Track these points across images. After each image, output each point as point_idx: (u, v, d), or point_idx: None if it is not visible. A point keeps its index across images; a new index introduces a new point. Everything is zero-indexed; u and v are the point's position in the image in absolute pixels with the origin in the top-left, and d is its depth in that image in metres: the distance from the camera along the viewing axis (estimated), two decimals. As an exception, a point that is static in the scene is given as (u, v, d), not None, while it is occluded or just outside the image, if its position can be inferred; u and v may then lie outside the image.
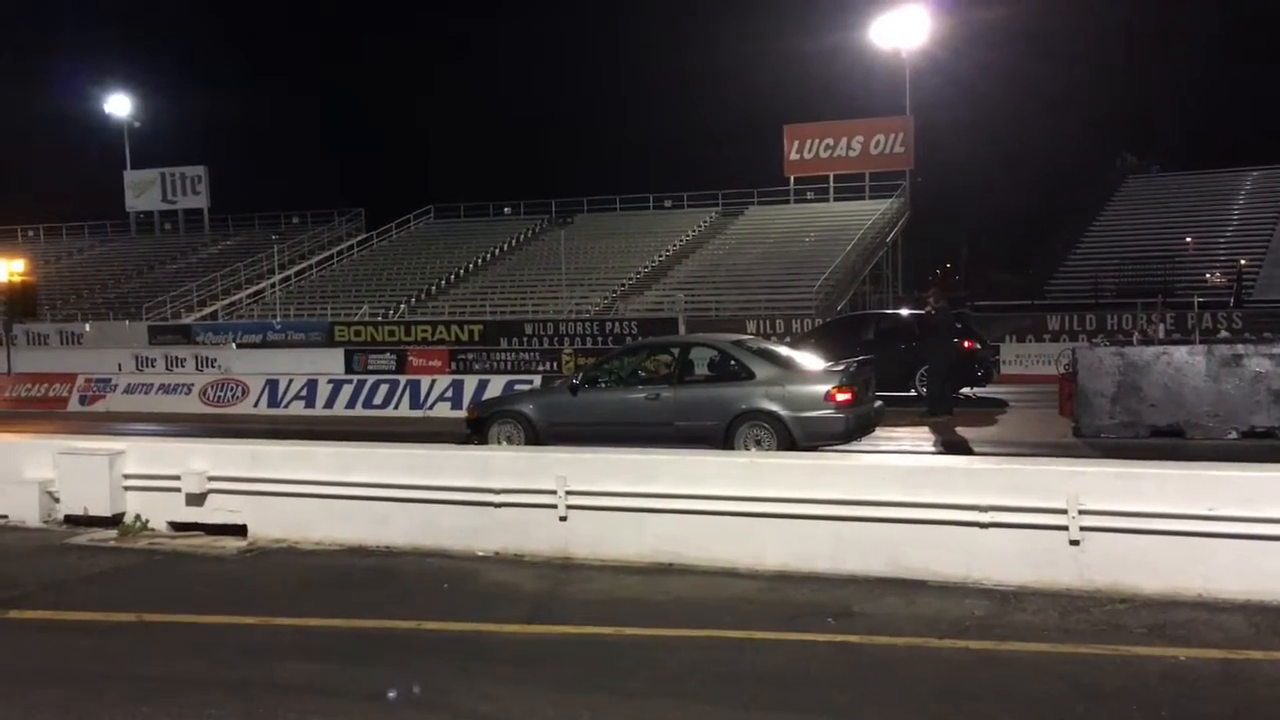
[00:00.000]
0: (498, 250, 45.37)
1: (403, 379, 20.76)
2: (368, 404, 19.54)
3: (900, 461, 9.35)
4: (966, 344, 17.54)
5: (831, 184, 44.77)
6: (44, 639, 6.45)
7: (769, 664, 5.71)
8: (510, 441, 12.35)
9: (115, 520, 9.20)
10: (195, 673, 5.68)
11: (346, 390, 19.98)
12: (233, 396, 20.61)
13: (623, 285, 38.93)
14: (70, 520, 9.36)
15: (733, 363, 12.10)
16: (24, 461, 9.77)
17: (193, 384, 21.48)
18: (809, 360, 12.86)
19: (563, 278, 38.31)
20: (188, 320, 40.63)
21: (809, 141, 44.69)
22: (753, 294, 36.10)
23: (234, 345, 34.28)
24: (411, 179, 78.79)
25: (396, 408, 19.33)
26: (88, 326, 39.63)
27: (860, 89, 62.11)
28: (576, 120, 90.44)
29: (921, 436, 14.55)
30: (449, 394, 19.09)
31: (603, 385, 12.63)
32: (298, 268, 46.23)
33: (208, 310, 42.62)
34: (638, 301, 37.00)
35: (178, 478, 9.06)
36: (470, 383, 19.25)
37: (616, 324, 32.29)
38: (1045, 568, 6.85)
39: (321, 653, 5.99)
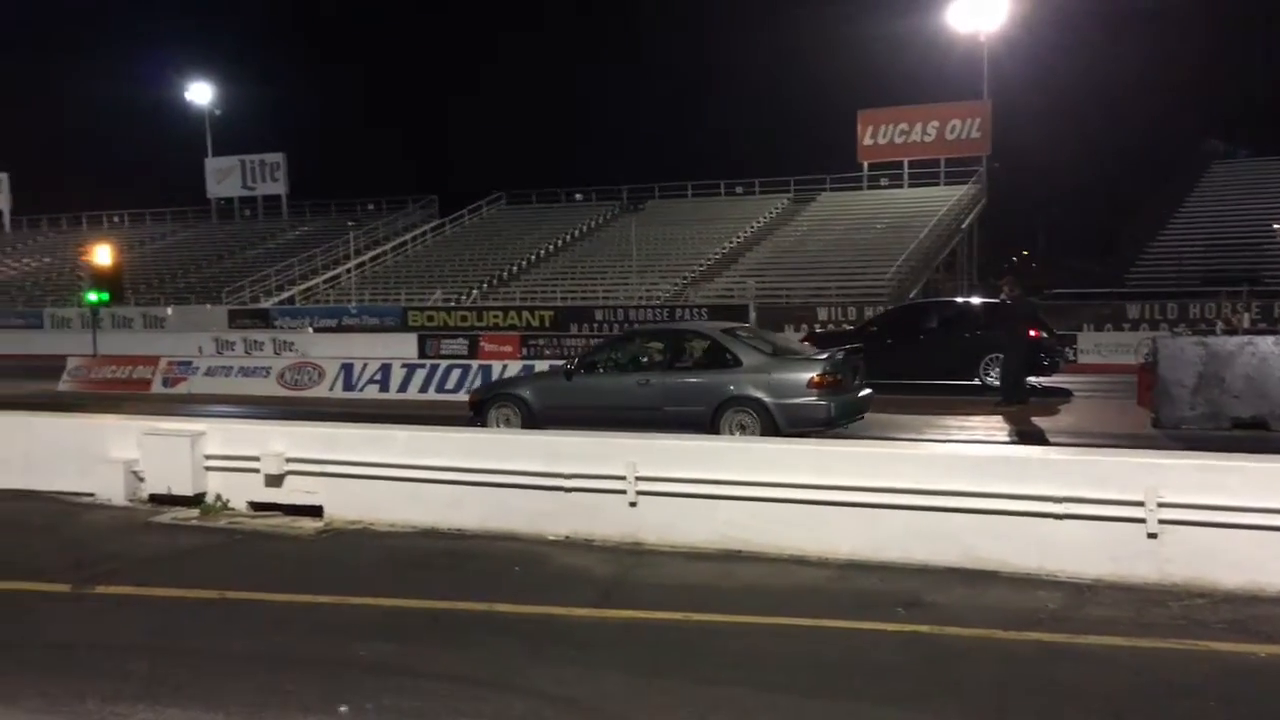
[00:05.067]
0: (569, 236, 45.58)
1: (475, 364, 20.97)
2: (440, 388, 19.74)
3: (973, 451, 9.23)
4: (1033, 332, 17.29)
5: (906, 170, 44.23)
6: (130, 613, 6.66)
7: (837, 652, 5.70)
8: (508, 424, 12.83)
9: (197, 499, 9.45)
10: (275, 650, 5.83)
11: (419, 374, 20.21)
12: (309, 380, 20.97)
13: (693, 272, 38.88)
14: (154, 499, 9.61)
15: (721, 350, 12.41)
16: (111, 442, 10.04)
17: (270, 367, 21.89)
18: (801, 349, 13.27)
19: (633, 264, 38.39)
20: (266, 304, 41.46)
21: (883, 127, 44.22)
22: (824, 281, 35.83)
23: (310, 329, 34.89)
24: (485, 165, 79.41)
25: (468, 392, 19.53)
26: (170, 310, 40.62)
27: (936, 73, 61.11)
28: (649, 106, 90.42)
29: (995, 426, 14.35)
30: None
31: (598, 371, 13.05)
32: (373, 253, 46.91)
33: (285, 295, 43.43)
34: (708, 288, 36.92)
35: (257, 459, 9.27)
36: (541, 368, 19.36)
37: (686, 310, 32.27)
38: (1122, 561, 6.74)
39: (396, 632, 6.11)
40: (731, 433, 11.60)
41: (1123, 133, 72.49)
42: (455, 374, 19.94)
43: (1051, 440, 12.92)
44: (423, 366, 20.76)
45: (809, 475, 7.61)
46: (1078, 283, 37.31)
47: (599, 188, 49.87)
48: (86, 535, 8.77)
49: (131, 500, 9.71)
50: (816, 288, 35.17)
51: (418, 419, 12.70)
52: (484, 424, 12.94)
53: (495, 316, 34.80)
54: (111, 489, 9.76)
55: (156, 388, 22.05)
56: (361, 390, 20.30)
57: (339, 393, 20.37)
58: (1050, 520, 6.92)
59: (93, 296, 25.98)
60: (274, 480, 9.26)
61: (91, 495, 9.85)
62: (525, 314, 34.60)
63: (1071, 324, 26.03)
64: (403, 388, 20.10)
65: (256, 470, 9.27)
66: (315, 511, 9.07)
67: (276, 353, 28.03)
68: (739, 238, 42.03)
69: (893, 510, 7.33)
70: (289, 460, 9.21)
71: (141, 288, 45.99)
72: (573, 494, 8.24)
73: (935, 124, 43.39)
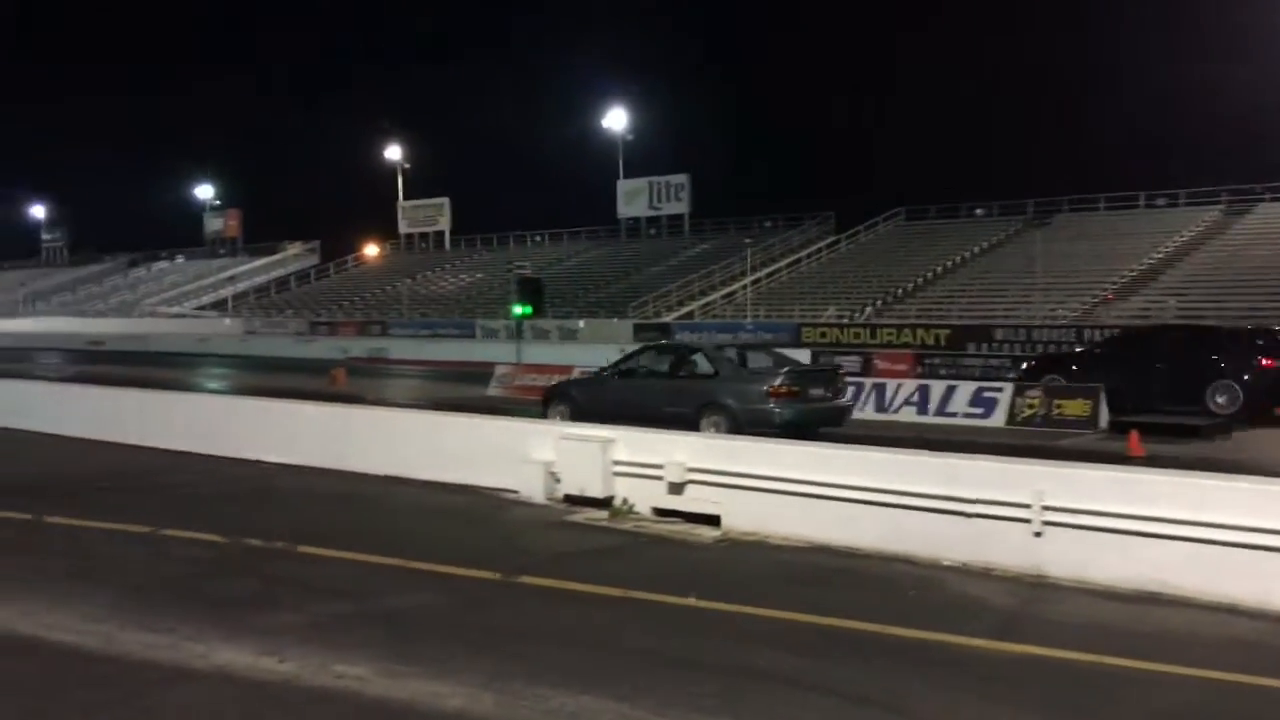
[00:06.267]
0: (968, 253, 44.11)
1: (868, 381, 20.75)
2: (832, 405, 19.73)
3: None
4: (1266, 362, 16.57)
5: (1370, 175, 38.89)
6: (547, 603, 7.21)
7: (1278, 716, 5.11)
8: (562, 417, 15.13)
9: (606, 502, 10.08)
10: (675, 650, 6.09)
11: (813, 390, 20.34)
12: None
13: (1104, 290, 36.32)
14: (568, 499, 10.36)
15: (708, 362, 15.28)
16: (532, 444, 10.96)
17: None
18: (779, 363, 15.61)
19: (1037, 281, 36.46)
20: (667, 319, 43.42)
21: (1339, 127, 39.15)
22: (1260, 300, 32.19)
23: (708, 344, 36.08)
24: (883, 180, 78.42)
25: (861, 410, 19.32)
26: (581, 323, 43.60)
27: None
28: (1056, 113, 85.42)
29: None
30: (914, 398, 18.81)
31: (625, 376, 15.98)
32: (768, 270, 47.82)
33: (685, 310, 45.27)
34: (1121, 307, 34.35)
35: (660, 466, 9.75)
36: (937, 388, 18.86)
37: (1096, 331, 30.20)
38: None
39: (791, 645, 6.19)
40: (709, 430, 13.55)
41: None
42: (848, 391, 19.80)
43: None
44: (816, 382, 20.80)
45: (1248, 517, 6.90)
46: None
47: (1002, 201, 47.84)
48: (512, 529, 9.63)
49: (549, 499, 10.52)
50: (1250, 307, 31.64)
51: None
52: (547, 416, 15.52)
53: (889, 334, 34.35)
54: (532, 487, 10.64)
55: (570, 395, 23.63)
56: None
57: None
58: None
59: (518, 310, 28.49)
60: (676, 488, 9.69)
61: (515, 492, 10.77)
62: (920, 332, 33.86)
63: None
64: (795, 403, 20.25)
65: (660, 478, 9.76)
66: (713, 520, 9.39)
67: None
68: (1159, 254, 38.74)
69: (1349, 562, 6.47)
70: (689, 470, 9.61)
71: (557, 301, 49.64)
72: (972, 519, 7.97)
73: (1407, 121, 37.83)
